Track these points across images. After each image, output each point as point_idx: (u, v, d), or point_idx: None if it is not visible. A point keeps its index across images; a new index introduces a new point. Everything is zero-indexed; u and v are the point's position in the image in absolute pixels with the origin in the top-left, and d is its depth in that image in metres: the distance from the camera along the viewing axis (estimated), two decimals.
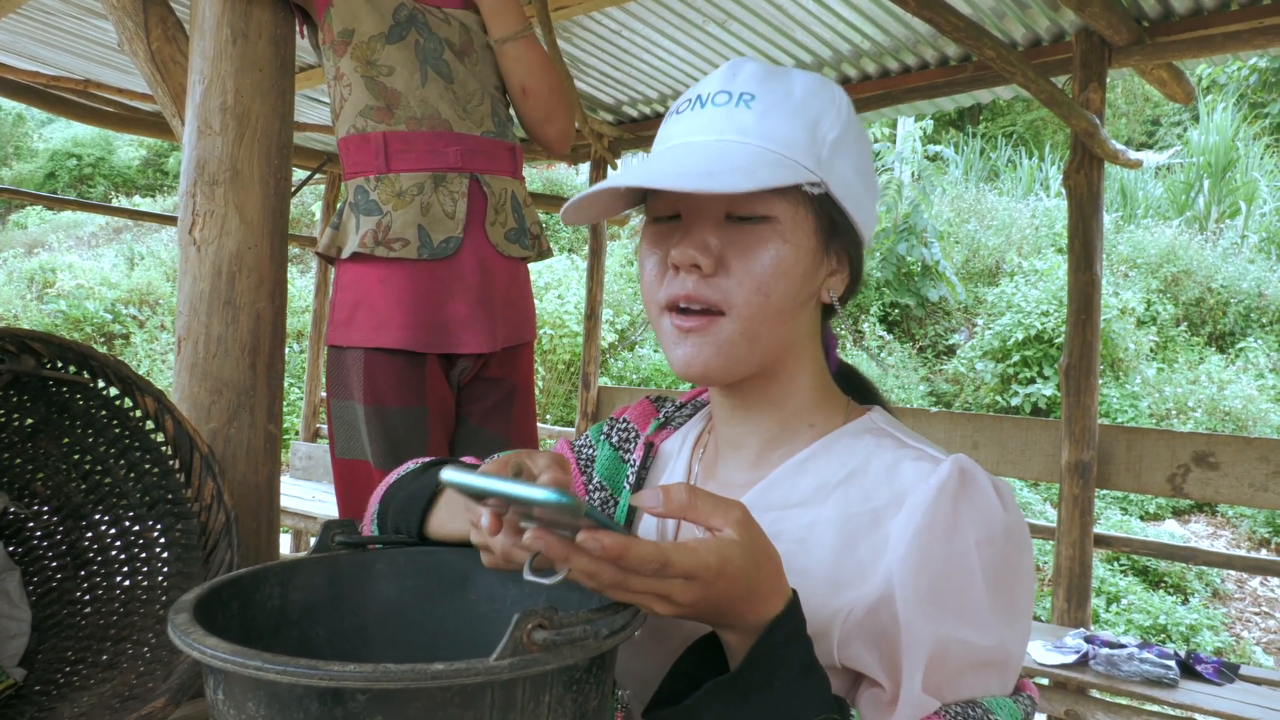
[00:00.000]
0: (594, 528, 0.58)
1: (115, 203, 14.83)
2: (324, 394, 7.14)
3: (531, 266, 2.00)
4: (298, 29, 1.84)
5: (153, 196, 15.95)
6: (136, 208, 12.90)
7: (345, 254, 1.80)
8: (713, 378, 0.83)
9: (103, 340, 10.93)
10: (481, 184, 1.81)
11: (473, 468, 0.63)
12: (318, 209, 8.34)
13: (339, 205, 1.87)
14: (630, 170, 0.79)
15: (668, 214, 0.83)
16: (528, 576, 0.62)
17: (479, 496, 0.61)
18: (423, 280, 1.77)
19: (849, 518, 0.80)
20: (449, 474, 0.60)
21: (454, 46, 1.80)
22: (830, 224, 0.83)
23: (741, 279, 0.79)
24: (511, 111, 1.93)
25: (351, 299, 1.80)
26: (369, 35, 1.74)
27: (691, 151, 0.79)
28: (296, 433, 7.03)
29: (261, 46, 1.52)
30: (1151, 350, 8.97)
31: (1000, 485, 0.79)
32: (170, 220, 7.04)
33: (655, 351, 9.97)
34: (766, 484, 0.86)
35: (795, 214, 0.80)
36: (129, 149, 16.95)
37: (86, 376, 1.15)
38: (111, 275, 12.05)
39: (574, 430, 6.00)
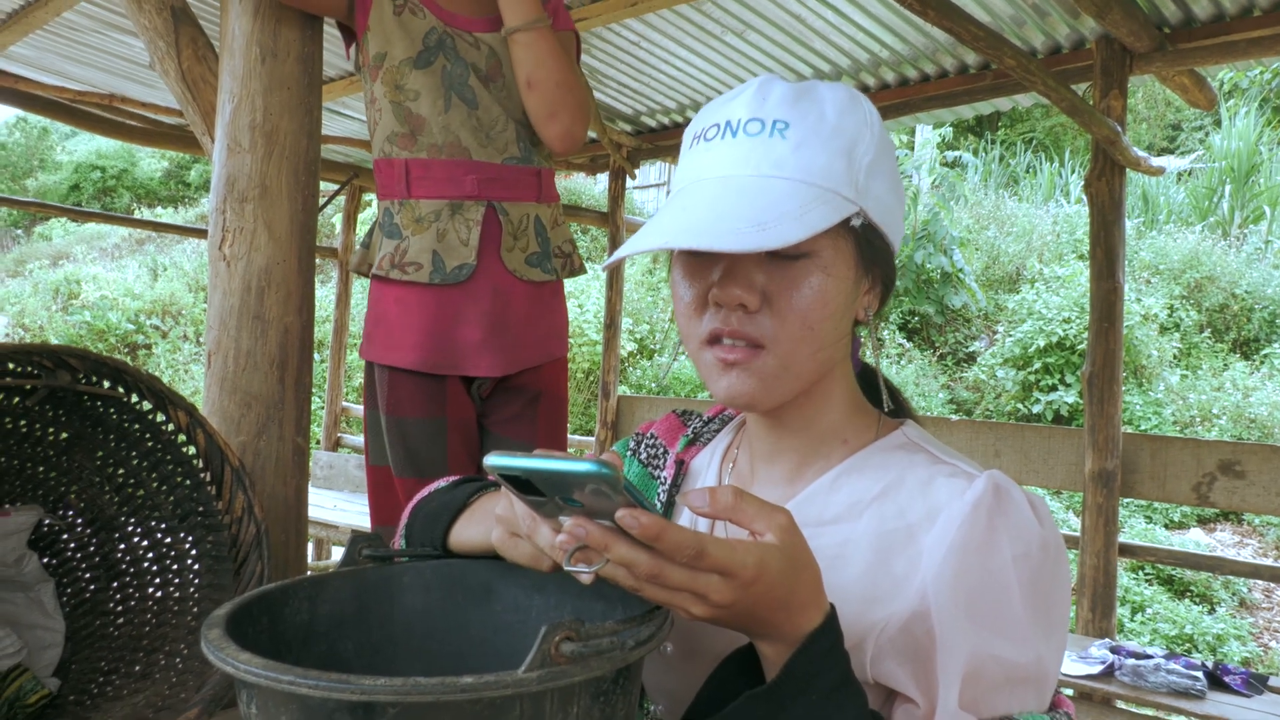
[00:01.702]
0: (632, 505, 0.58)
1: (138, 214, 14.99)
2: (345, 404, 7.18)
3: None
4: (344, 51, 1.88)
5: (175, 208, 16.14)
6: (159, 220, 13.03)
7: (371, 273, 1.85)
8: (757, 407, 0.82)
9: (126, 351, 11.05)
10: (498, 211, 1.82)
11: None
12: (338, 220, 8.41)
13: (371, 224, 1.91)
14: (674, 221, 0.76)
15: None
16: (567, 568, 0.63)
17: (520, 485, 0.62)
18: (434, 304, 1.80)
19: (884, 534, 0.80)
20: (492, 459, 0.60)
21: (480, 72, 1.81)
22: (868, 247, 0.82)
23: (786, 315, 0.78)
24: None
25: (374, 316, 1.86)
26: (399, 60, 1.77)
27: (731, 193, 0.76)
28: (318, 442, 7.08)
29: (290, 65, 1.54)
30: (1175, 357, 8.88)
31: (1035, 500, 0.79)
32: (193, 232, 7.13)
33: (674, 360, 9.96)
34: (800, 500, 0.85)
35: (836, 245, 0.79)
36: (151, 161, 17.16)
37: (121, 391, 1.17)
38: (135, 286, 12.18)
39: (594, 439, 6.01)
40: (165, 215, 15.06)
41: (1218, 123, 11.97)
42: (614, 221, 5.85)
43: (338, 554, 5.93)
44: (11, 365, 1.09)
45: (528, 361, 1.89)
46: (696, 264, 0.83)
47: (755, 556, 0.62)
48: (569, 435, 6.95)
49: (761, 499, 0.66)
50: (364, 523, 4.97)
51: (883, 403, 0.93)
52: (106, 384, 1.17)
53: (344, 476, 6.25)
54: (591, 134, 5.35)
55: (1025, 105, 4.47)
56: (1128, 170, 3.78)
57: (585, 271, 2.03)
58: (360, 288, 7.31)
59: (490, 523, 0.80)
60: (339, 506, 5.61)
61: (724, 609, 0.63)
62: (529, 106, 1.84)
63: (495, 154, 1.82)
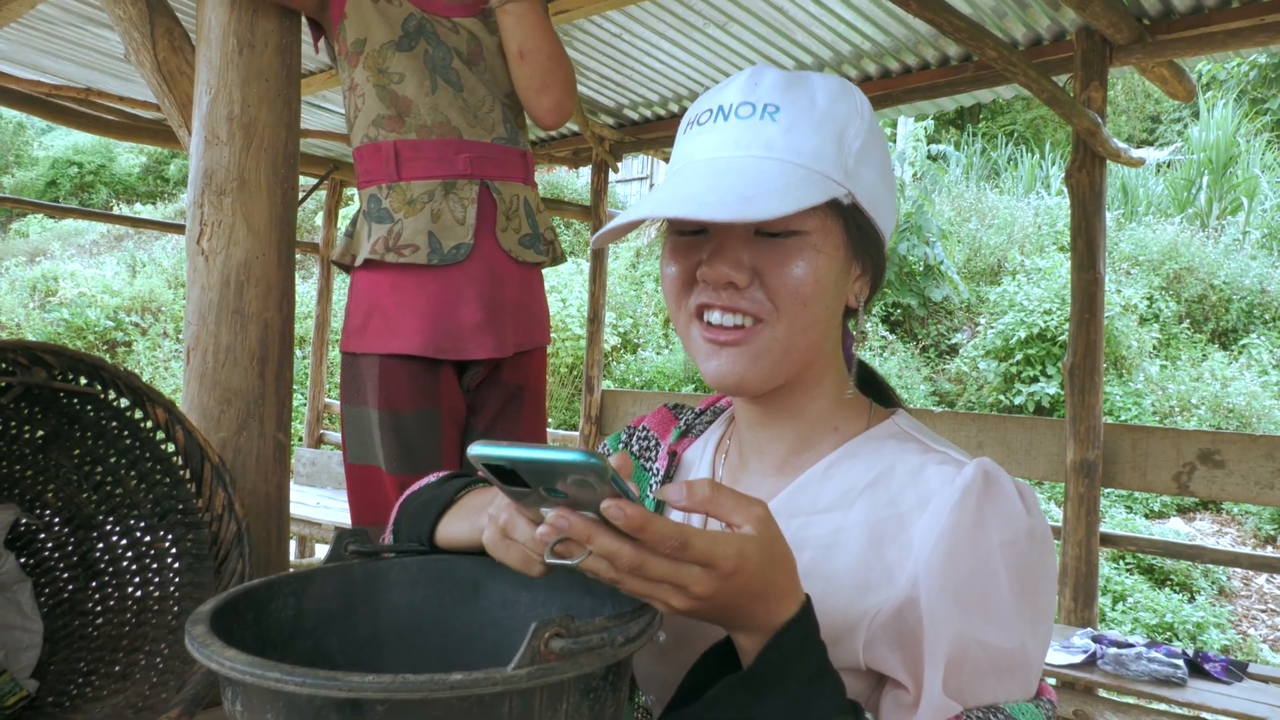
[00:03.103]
0: (617, 495, 0.58)
1: (116, 210, 14.83)
2: (328, 400, 7.12)
3: None
4: (313, 43, 1.86)
5: (154, 204, 15.97)
6: (138, 215, 12.89)
7: (358, 262, 1.81)
8: (747, 389, 0.82)
9: (105, 348, 10.94)
10: (491, 190, 1.81)
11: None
12: (320, 216, 8.35)
13: (353, 214, 1.88)
14: (662, 195, 0.77)
15: (693, 228, 0.83)
16: (548, 559, 0.63)
17: (503, 475, 0.61)
18: (434, 286, 1.78)
19: (876, 522, 0.80)
20: (476, 448, 0.60)
21: (463, 55, 1.80)
22: (858, 231, 0.83)
23: (778, 289, 0.79)
24: (526, 119, 1.92)
25: (365, 306, 1.81)
26: (380, 44, 1.76)
27: (720, 170, 0.77)
28: (300, 439, 7.03)
29: (268, 56, 1.52)
30: (1154, 348, 8.95)
31: (1023, 489, 0.79)
32: (172, 227, 7.06)
33: (658, 354, 9.96)
34: (793, 489, 0.86)
35: (825, 225, 0.80)
36: (129, 156, 16.97)
37: (98, 388, 1.16)
38: (114, 283, 12.05)
39: (578, 434, 5.99)
40: (144, 211, 14.89)
41: (1196, 115, 12.04)
42: (597, 215, 5.83)
43: (321, 551, 5.90)
44: None
45: (521, 345, 1.89)
46: (685, 243, 0.83)
47: (735, 548, 0.62)
48: (554, 430, 6.95)
49: (738, 491, 0.66)
50: (347, 520, 4.93)
51: (873, 394, 0.93)
52: (83, 381, 1.15)
53: (327, 473, 6.21)
54: (574, 126, 5.33)
55: (1006, 97, 4.49)
56: (1108, 162, 3.80)
57: (565, 260, 2.03)
58: (341, 282, 7.27)
59: (478, 518, 0.80)
60: (322, 504, 5.58)
61: (704, 601, 0.63)
62: (519, 79, 1.81)
63: (484, 133, 1.81)
